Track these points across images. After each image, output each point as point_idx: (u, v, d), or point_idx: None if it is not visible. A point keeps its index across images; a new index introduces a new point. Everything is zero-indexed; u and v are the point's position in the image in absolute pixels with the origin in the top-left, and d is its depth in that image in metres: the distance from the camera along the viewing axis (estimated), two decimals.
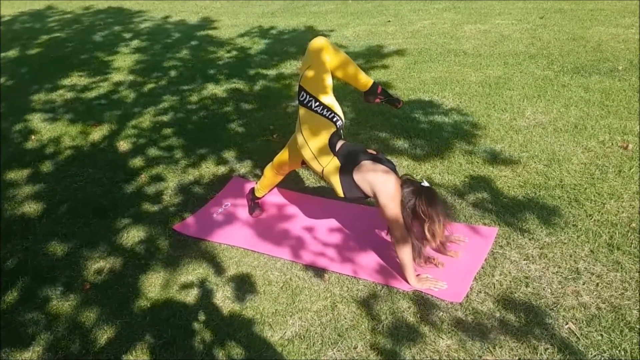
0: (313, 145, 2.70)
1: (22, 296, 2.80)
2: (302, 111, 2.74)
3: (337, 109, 2.76)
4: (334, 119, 2.73)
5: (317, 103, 2.69)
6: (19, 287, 2.87)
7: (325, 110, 2.70)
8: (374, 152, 2.72)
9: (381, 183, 2.51)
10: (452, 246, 2.83)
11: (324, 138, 2.69)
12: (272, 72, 5.70)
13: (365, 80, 2.88)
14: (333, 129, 2.71)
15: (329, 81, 2.75)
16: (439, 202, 2.53)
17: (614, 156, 3.48)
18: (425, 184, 2.53)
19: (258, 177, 3.69)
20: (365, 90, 2.91)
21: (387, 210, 2.51)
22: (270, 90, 5.24)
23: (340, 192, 2.66)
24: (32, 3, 10.41)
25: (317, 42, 2.72)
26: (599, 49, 5.40)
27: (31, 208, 3.55)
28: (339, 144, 2.70)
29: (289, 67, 5.82)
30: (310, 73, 2.71)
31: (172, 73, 5.94)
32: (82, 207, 3.52)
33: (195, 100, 5.13)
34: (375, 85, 2.89)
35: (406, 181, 2.56)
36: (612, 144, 3.63)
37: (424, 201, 2.45)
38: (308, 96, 2.70)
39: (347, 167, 2.61)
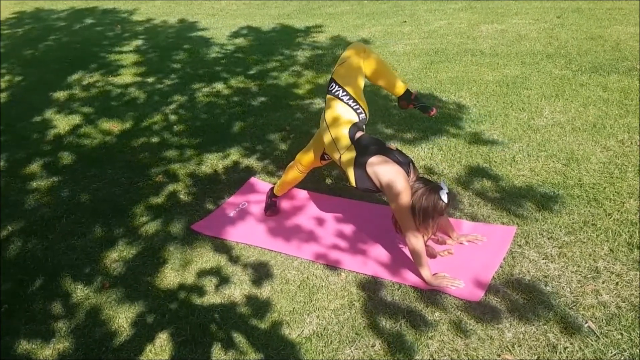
0: (334, 131, 2.76)
1: (43, 294, 2.84)
2: (328, 98, 2.82)
3: (364, 104, 2.84)
4: (358, 111, 2.80)
5: (345, 93, 2.78)
6: (39, 286, 2.91)
7: (352, 101, 2.78)
8: (392, 147, 2.74)
9: (389, 177, 2.54)
10: (460, 246, 2.85)
11: (345, 126, 2.74)
12: (285, 73, 5.71)
13: (400, 86, 3.01)
14: (355, 120, 2.78)
15: (360, 80, 2.85)
16: (438, 213, 2.53)
17: (634, 155, 3.44)
18: (443, 187, 2.53)
19: (275, 176, 3.71)
20: (399, 96, 3.04)
21: (394, 205, 2.55)
22: (285, 90, 5.25)
23: (352, 181, 2.69)
24: (35, 3, 10.50)
25: (358, 45, 2.92)
26: (617, 48, 5.35)
27: (51, 208, 3.60)
28: (358, 134, 2.76)
29: (303, 67, 5.83)
30: (344, 68, 2.83)
31: (185, 74, 5.96)
32: (101, 207, 3.56)
33: (208, 101, 5.15)
34: (408, 91, 3.02)
35: (421, 178, 2.60)
36: (632, 142, 3.59)
37: (425, 204, 2.50)
38: (337, 86, 2.80)
39: (362, 158, 2.65)
